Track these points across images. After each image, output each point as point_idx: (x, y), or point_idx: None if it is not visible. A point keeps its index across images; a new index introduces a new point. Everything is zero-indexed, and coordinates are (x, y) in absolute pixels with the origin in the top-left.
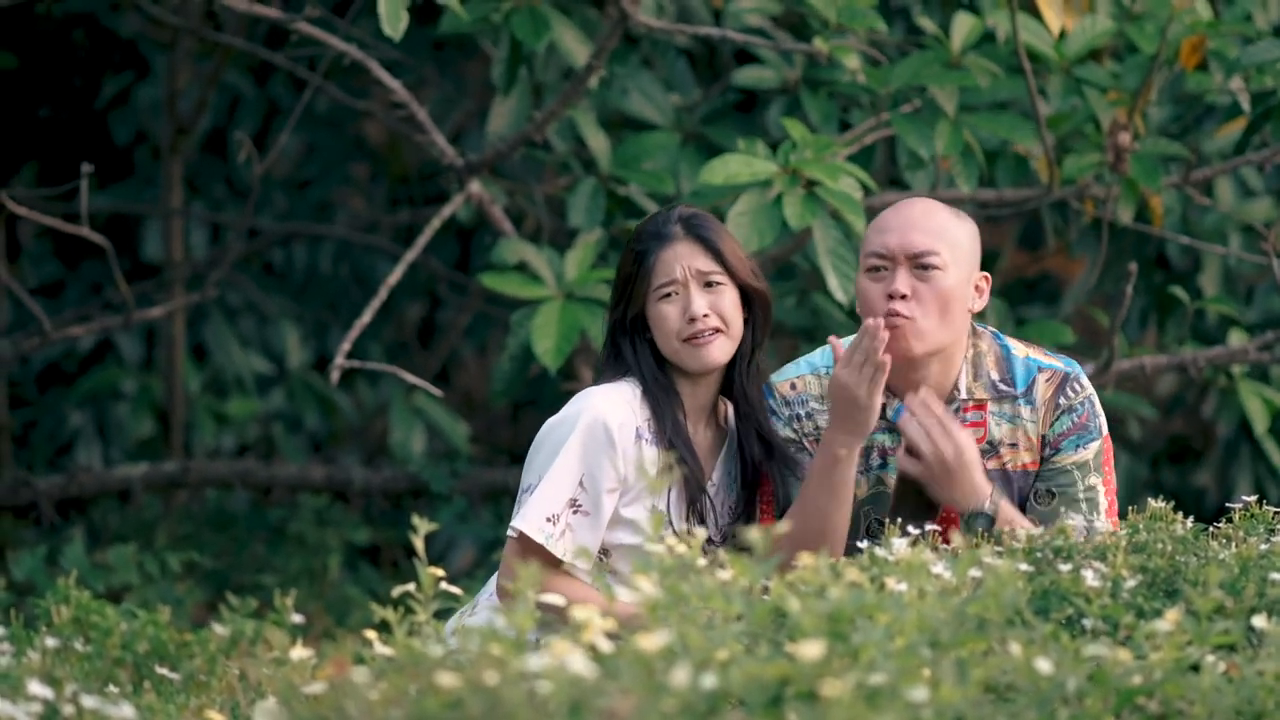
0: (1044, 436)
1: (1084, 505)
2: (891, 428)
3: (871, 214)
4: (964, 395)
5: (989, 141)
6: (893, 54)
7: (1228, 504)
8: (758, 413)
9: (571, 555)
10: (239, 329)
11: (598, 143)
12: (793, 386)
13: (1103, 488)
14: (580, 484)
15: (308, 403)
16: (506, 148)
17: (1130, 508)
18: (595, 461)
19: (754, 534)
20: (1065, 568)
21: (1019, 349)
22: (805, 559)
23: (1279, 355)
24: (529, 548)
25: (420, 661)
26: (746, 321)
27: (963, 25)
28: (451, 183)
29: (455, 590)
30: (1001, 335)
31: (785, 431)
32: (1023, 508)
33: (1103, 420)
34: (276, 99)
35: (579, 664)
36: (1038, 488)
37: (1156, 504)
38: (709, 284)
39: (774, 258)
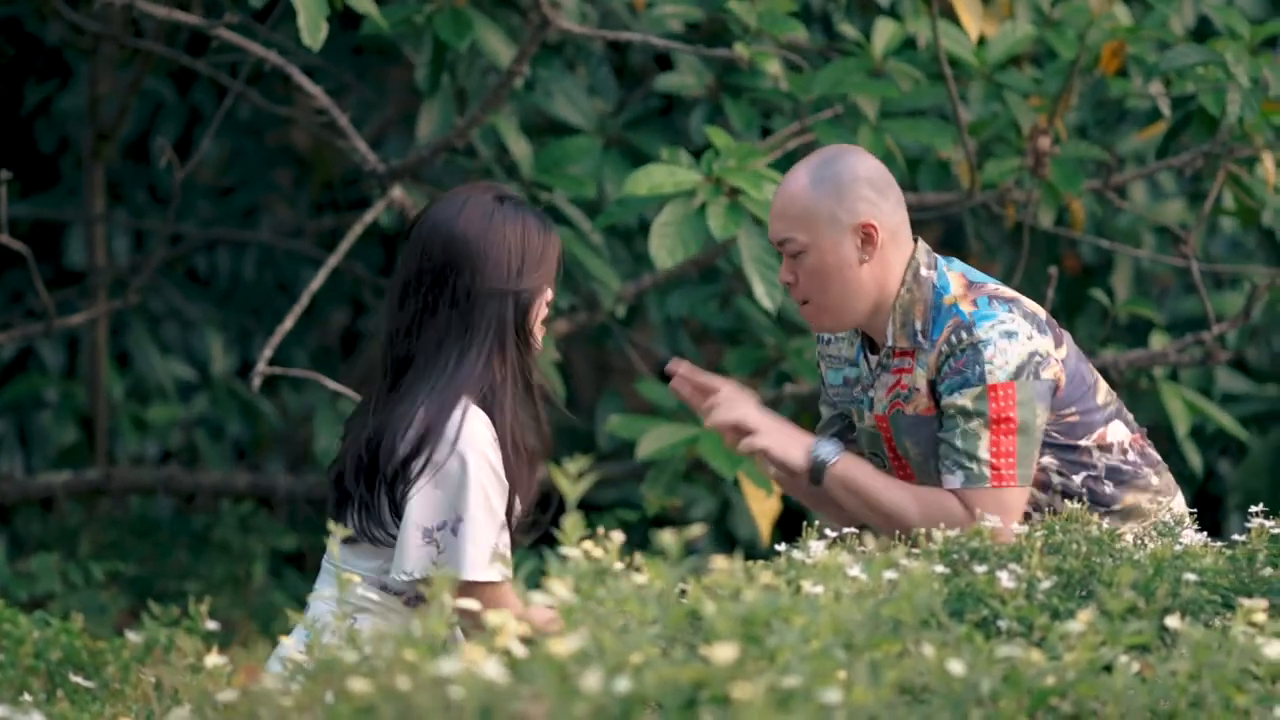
0: (931, 381)
1: (960, 444)
2: (853, 362)
3: None
4: (890, 343)
5: (911, 147)
6: (814, 60)
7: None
8: None
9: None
10: (162, 336)
11: (520, 148)
12: None
13: (986, 434)
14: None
15: (231, 409)
16: (429, 153)
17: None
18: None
19: (667, 537)
20: (981, 569)
21: (950, 295)
22: (721, 562)
23: (1199, 358)
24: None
25: (334, 667)
26: None
27: (884, 31)
28: (374, 188)
29: (373, 596)
30: (948, 279)
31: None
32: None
33: (995, 370)
34: (199, 105)
35: (492, 669)
36: (943, 436)
37: (1071, 505)
38: None
39: (697, 262)
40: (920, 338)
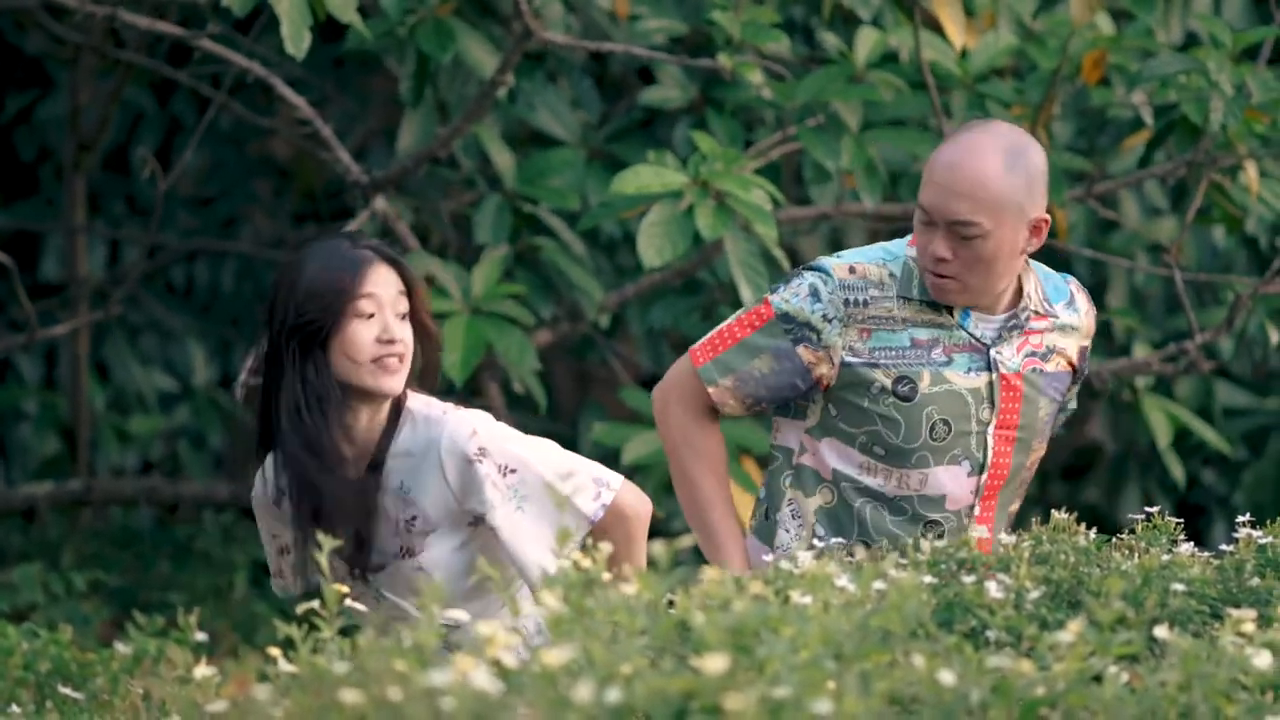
0: (1086, 347)
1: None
2: (958, 327)
3: (781, 227)
4: (1034, 306)
5: (894, 157)
6: (797, 71)
7: (1131, 515)
8: None
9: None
10: (141, 347)
11: (503, 159)
12: (851, 270)
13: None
14: None
15: (212, 420)
16: (412, 164)
17: (1033, 520)
18: None
19: (656, 548)
20: (969, 580)
21: (1044, 268)
22: (711, 573)
23: (1182, 367)
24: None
25: (324, 678)
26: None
27: (866, 41)
28: (356, 199)
29: (360, 608)
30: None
31: (813, 316)
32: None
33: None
34: (179, 116)
35: (483, 680)
36: (1070, 405)
37: (1060, 515)
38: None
39: (680, 272)
40: (1046, 304)
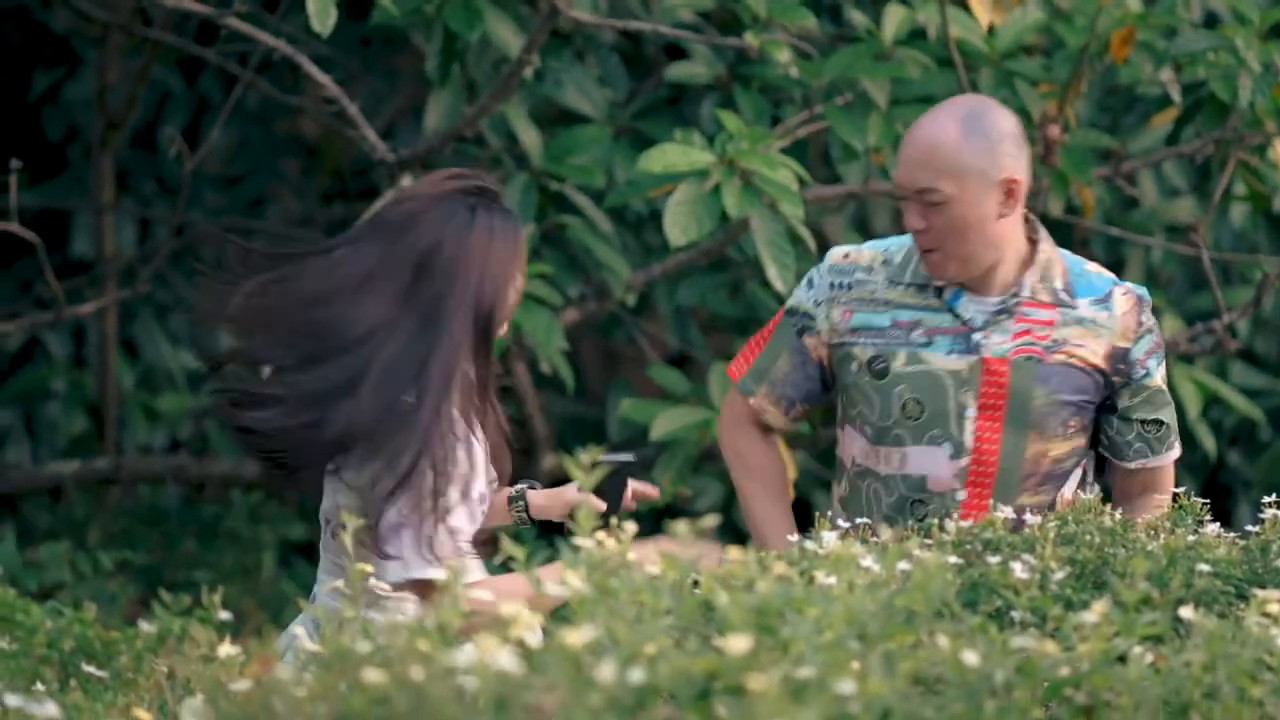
0: (1125, 350)
1: (1168, 421)
2: (944, 309)
3: (808, 206)
4: (1026, 293)
5: None
6: (824, 49)
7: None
8: None
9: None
10: (170, 325)
11: (530, 137)
12: (845, 256)
13: (1171, 408)
14: None
15: None
16: (438, 143)
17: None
18: None
19: (680, 528)
20: (994, 560)
21: (1089, 265)
22: (734, 553)
23: (1209, 346)
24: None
25: (347, 658)
26: None
27: (893, 18)
28: (383, 178)
29: (386, 586)
30: (1069, 254)
31: (806, 302)
32: (1108, 413)
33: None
34: (206, 94)
35: (506, 660)
36: (1139, 419)
37: (1085, 495)
38: None
39: (707, 250)
40: (1064, 295)
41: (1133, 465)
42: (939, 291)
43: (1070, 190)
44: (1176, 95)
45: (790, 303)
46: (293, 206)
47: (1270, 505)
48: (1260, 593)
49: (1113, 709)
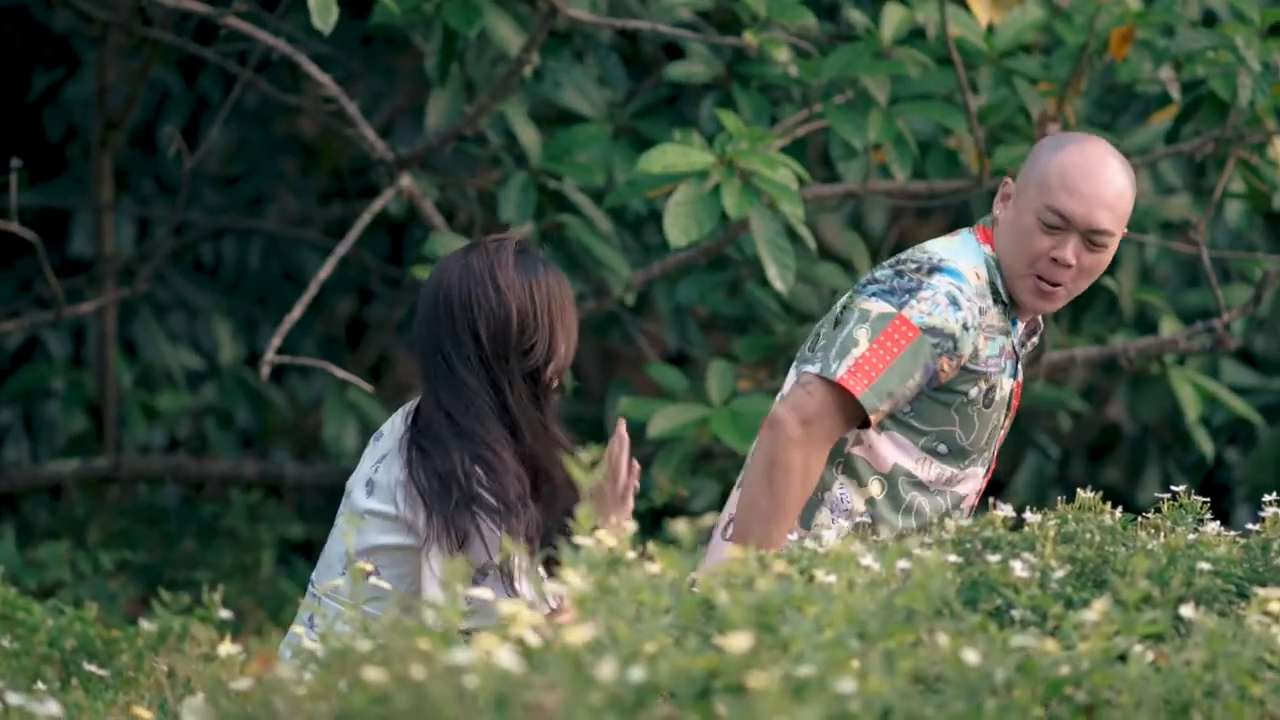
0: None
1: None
2: (1009, 331)
3: (807, 204)
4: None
5: (921, 131)
6: (823, 48)
7: (1158, 495)
8: None
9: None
10: (169, 325)
11: (529, 136)
12: (977, 275)
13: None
14: None
15: (239, 398)
16: (438, 142)
17: (1060, 499)
18: None
19: (680, 527)
20: (994, 559)
21: None
22: (734, 551)
23: (1208, 345)
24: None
25: (348, 656)
26: None
27: (892, 17)
28: (382, 177)
29: (384, 585)
30: None
31: (953, 325)
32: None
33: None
34: (206, 94)
35: (506, 658)
36: None
37: (1085, 494)
38: None
39: (707, 250)
40: None
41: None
42: (1008, 313)
43: None
44: (1176, 93)
45: (927, 321)
46: (291, 206)
47: (1271, 503)
48: (1261, 591)
49: (1113, 707)
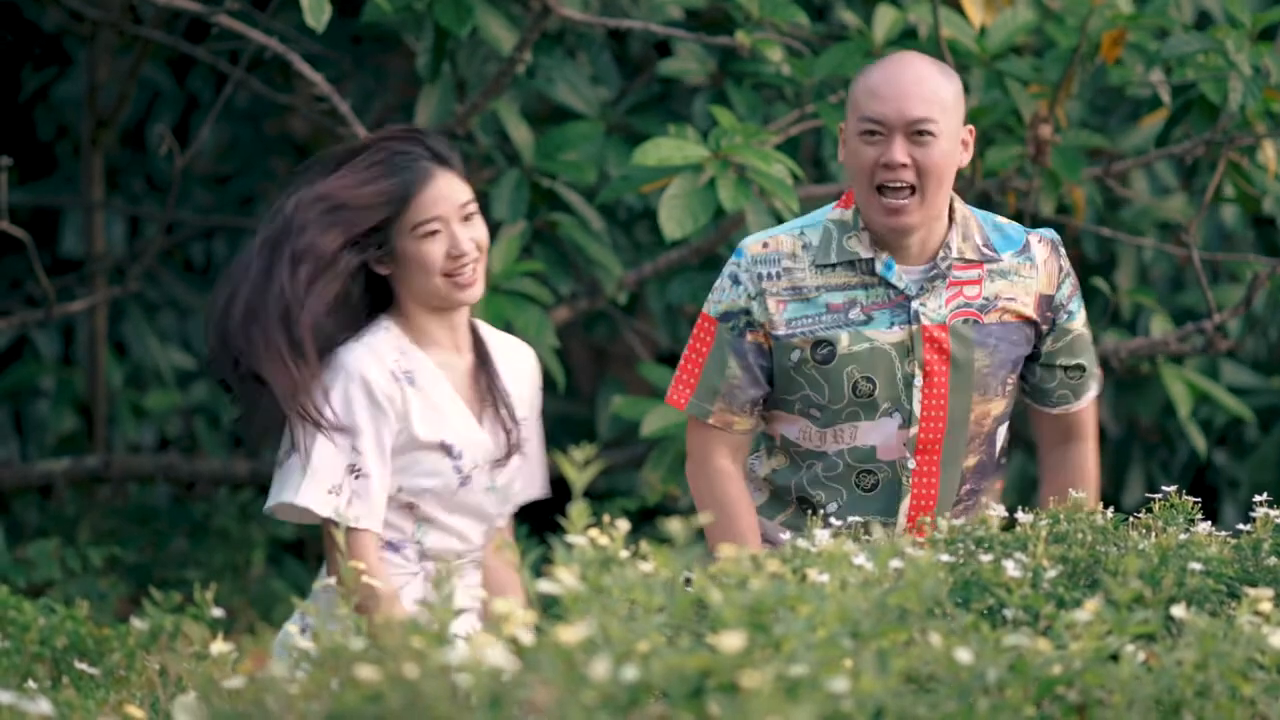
0: (1050, 297)
1: (1095, 358)
2: (879, 282)
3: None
4: (954, 254)
5: None
6: (815, 49)
7: (1148, 495)
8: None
9: (360, 521)
10: (159, 324)
11: (521, 135)
12: (764, 245)
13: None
14: (354, 448)
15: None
16: None
17: (1050, 499)
18: (365, 421)
19: (674, 525)
20: (986, 558)
21: (999, 218)
22: (726, 550)
23: (1200, 346)
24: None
25: (340, 655)
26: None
27: (885, 18)
28: None
29: (377, 584)
30: (977, 210)
31: (740, 300)
32: (1030, 360)
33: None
34: (197, 93)
35: (499, 657)
36: (1062, 365)
37: (1077, 494)
38: (467, 218)
39: (698, 249)
40: (986, 249)
41: (1056, 411)
42: (870, 265)
43: (1061, 190)
44: (1166, 97)
45: (719, 308)
46: None
47: (1261, 504)
48: (1252, 591)
49: (1105, 707)
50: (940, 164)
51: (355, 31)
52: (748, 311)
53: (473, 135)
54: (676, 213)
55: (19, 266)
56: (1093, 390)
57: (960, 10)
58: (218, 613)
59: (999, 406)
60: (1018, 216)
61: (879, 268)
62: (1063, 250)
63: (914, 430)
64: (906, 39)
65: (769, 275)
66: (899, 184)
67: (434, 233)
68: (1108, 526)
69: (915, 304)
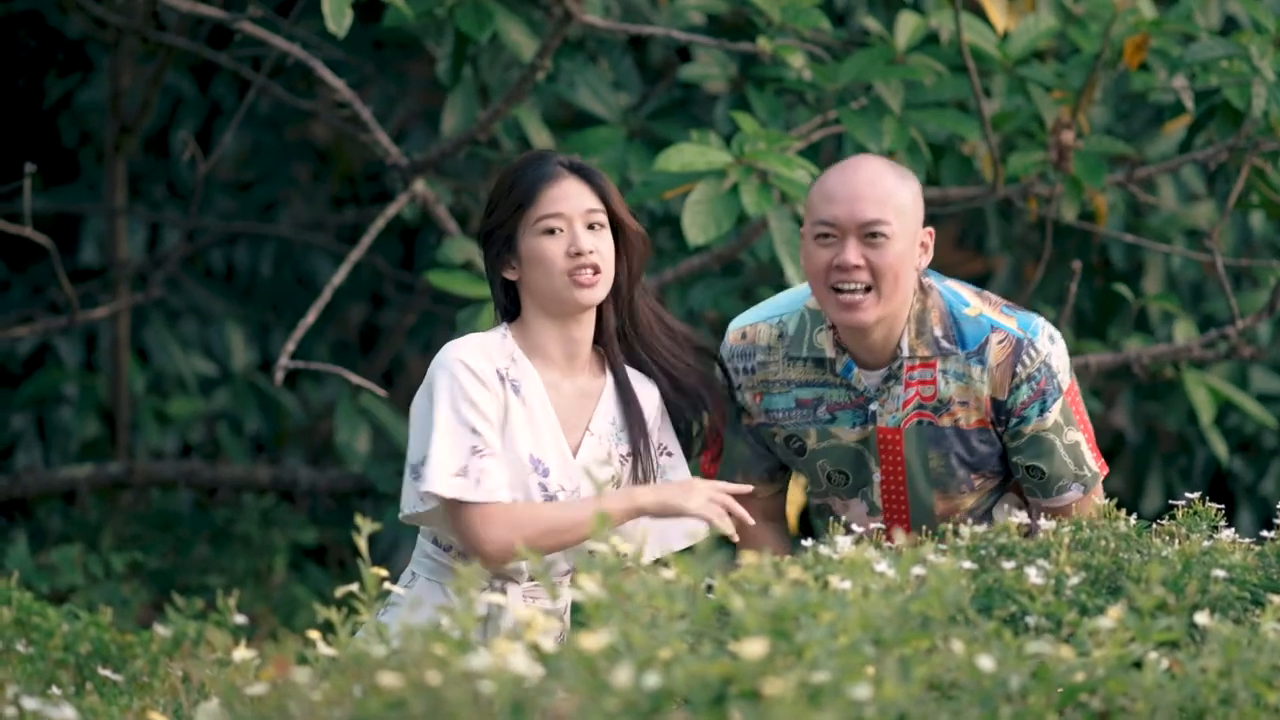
0: (1001, 402)
1: (1070, 464)
2: (841, 383)
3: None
4: (906, 354)
5: (935, 138)
6: (837, 55)
7: (1171, 502)
8: (653, 352)
9: (496, 494)
10: (181, 330)
11: (542, 140)
12: (743, 335)
13: (1082, 436)
14: (473, 429)
15: (251, 403)
16: (451, 147)
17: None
18: (476, 399)
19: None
20: (1009, 565)
21: (973, 306)
22: (748, 557)
23: (1223, 352)
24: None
25: (363, 661)
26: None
27: (907, 24)
28: (396, 182)
29: (399, 590)
30: (955, 290)
31: (731, 391)
32: (998, 461)
33: (1062, 375)
34: (219, 99)
35: (522, 663)
36: (1020, 464)
37: (1100, 501)
38: (592, 225)
39: (720, 255)
40: (945, 343)
41: (1032, 501)
42: (833, 365)
43: (1084, 196)
44: (1189, 103)
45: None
46: (304, 211)
47: None
48: (1276, 599)
49: (1128, 714)
50: (894, 265)
51: (377, 37)
52: (733, 399)
53: (496, 140)
54: (700, 218)
55: (42, 273)
56: (1070, 493)
57: (983, 15)
58: (240, 619)
59: (970, 500)
60: (1040, 222)
61: (839, 368)
62: (1033, 353)
63: (879, 519)
64: (929, 44)
65: (745, 369)
66: (853, 285)
67: (555, 230)
68: (1131, 533)
69: (874, 406)
